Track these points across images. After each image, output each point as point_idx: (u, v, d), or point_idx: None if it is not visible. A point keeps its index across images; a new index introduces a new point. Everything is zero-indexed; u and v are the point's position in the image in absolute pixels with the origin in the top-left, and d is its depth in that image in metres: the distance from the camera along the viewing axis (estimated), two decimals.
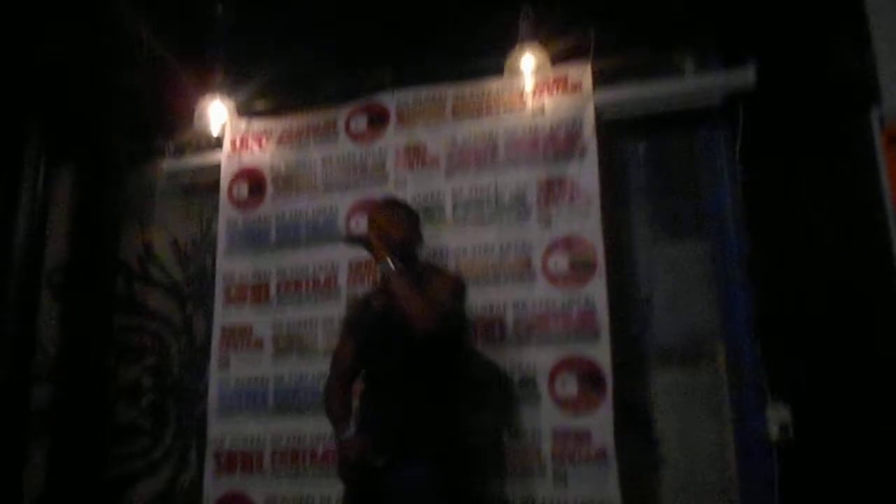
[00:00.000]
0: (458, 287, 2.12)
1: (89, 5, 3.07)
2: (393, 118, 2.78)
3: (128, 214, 3.35)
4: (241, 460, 2.71)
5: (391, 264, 1.95)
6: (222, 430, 2.76)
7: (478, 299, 2.50)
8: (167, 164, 3.21)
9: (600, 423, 2.28)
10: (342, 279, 2.70)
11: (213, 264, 3.00)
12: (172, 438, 3.03)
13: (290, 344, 2.75)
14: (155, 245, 3.28)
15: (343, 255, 2.67)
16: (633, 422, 2.36)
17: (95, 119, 3.37)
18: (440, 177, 2.65)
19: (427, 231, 2.58)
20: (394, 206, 2.20)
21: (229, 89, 3.00)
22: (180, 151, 3.23)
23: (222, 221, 2.97)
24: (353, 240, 2.17)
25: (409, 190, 2.68)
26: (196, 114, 3.00)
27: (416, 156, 2.71)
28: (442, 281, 2.09)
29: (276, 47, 2.96)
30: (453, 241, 2.59)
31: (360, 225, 2.73)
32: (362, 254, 2.13)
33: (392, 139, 2.76)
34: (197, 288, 3.15)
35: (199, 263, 3.17)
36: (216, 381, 2.82)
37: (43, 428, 3.18)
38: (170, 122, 3.25)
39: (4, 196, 3.27)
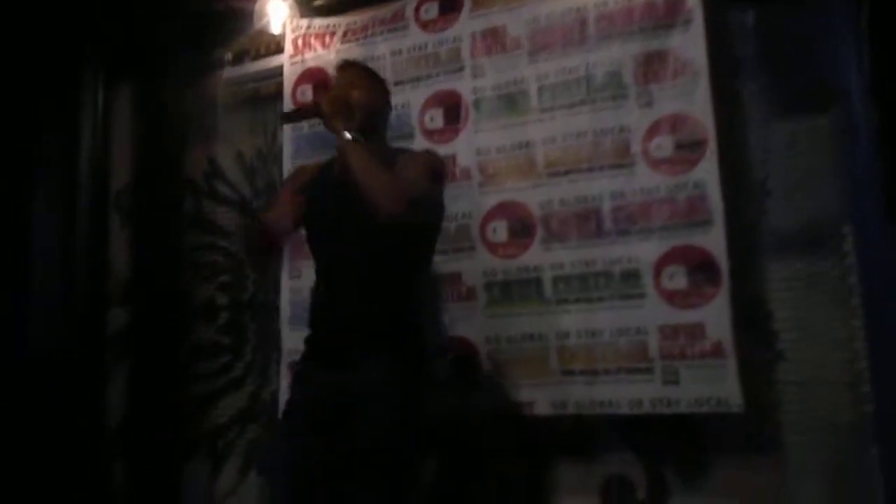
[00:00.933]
0: (434, 164, 1.79)
1: None
2: (467, 2, 2.54)
3: (191, 130, 3.23)
4: None
5: (346, 133, 1.63)
6: (296, 341, 2.65)
7: (570, 192, 2.30)
8: (228, 73, 3.05)
9: (715, 315, 2.07)
10: None
11: (281, 176, 2.86)
12: (252, 353, 2.96)
13: None
14: (220, 160, 3.16)
15: None
16: (750, 315, 2.15)
17: (153, 33, 3.22)
18: (523, 61, 2.42)
19: (510, 121, 2.40)
20: (353, 66, 1.86)
21: None
22: (241, 60, 3.07)
23: (287, 128, 2.81)
24: (296, 114, 1.89)
25: (489, 78, 2.46)
26: (254, 15, 2.83)
27: (494, 40, 2.47)
28: (414, 159, 1.77)
29: None
30: (540, 131, 2.37)
31: (434, 119, 2.54)
32: None
33: (467, 25, 2.53)
34: (265, 202, 3.02)
35: (266, 176, 3.04)
36: (288, 291, 2.71)
37: (121, 351, 3.17)
38: (229, 29, 3.09)
39: (65, 118, 3.18)
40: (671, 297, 2.15)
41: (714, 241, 2.10)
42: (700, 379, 2.08)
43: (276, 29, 2.84)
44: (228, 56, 3.07)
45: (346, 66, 1.86)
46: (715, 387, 2.06)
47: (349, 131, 1.64)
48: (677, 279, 2.14)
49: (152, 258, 3.20)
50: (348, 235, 1.69)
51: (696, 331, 2.10)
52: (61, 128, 3.11)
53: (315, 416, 1.66)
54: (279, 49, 2.92)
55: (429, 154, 1.88)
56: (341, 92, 1.74)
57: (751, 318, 2.15)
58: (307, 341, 1.81)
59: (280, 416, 1.84)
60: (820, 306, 2.14)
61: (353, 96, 1.73)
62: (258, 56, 3.02)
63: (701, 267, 2.11)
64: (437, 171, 1.79)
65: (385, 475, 1.58)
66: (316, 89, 2.68)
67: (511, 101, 2.41)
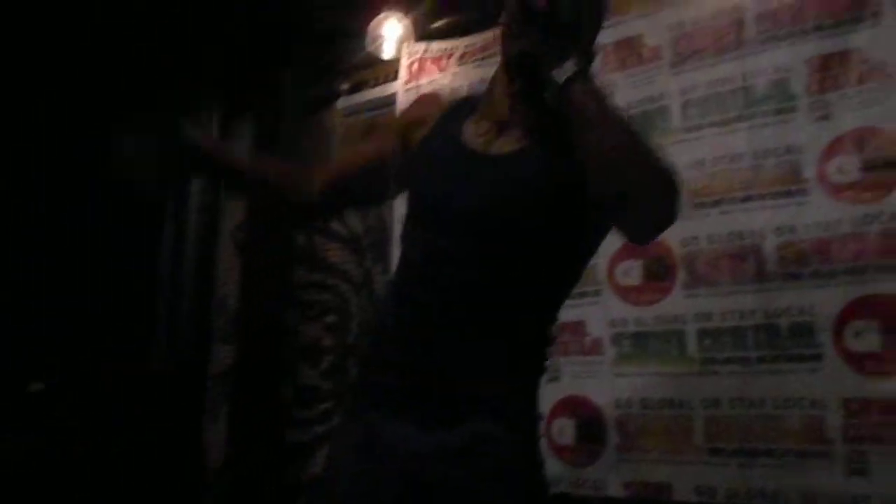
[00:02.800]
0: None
1: None
2: None
3: (305, 163, 3.12)
4: None
5: (582, 69, 0.95)
6: None
7: (721, 226, 1.89)
8: (343, 103, 2.93)
9: None
10: None
11: (391, 212, 2.66)
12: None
13: None
14: None
15: None
16: None
17: (269, 68, 3.20)
18: (664, 73, 2.06)
19: None
20: None
21: (404, 9, 2.65)
22: (357, 89, 2.95)
23: None
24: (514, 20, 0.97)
25: (623, 95, 2.12)
26: (368, 39, 2.69)
27: (629, 51, 2.14)
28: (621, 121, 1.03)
29: None
30: (684, 154, 1.97)
31: None
32: None
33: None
34: (376, 239, 2.83)
35: (377, 212, 2.85)
36: None
37: (224, 390, 3.05)
38: (345, 59, 2.99)
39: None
40: (859, 362, 1.66)
41: None
42: None
43: (389, 55, 2.68)
44: (345, 86, 2.96)
45: None
46: None
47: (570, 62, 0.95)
48: (867, 338, 1.66)
49: (262, 294, 3.09)
50: (505, 238, 1.07)
51: (893, 407, 1.60)
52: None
53: (384, 496, 1.08)
54: (395, 77, 2.76)
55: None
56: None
57: None
58: (369, 380, 1.17)
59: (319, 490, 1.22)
60: None
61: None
62: (375, 84, 2.89)
63: None
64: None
65: None
66: None
67: (648, 120, 2.06)
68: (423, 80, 2.63)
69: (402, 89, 2.69)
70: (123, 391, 3.03)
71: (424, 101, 1.32)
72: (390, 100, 2.75)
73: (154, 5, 2.81)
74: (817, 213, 1.77)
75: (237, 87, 3.18)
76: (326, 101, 3.08)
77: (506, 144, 1.11)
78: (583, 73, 0.95)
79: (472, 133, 1.14)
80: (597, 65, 1.07)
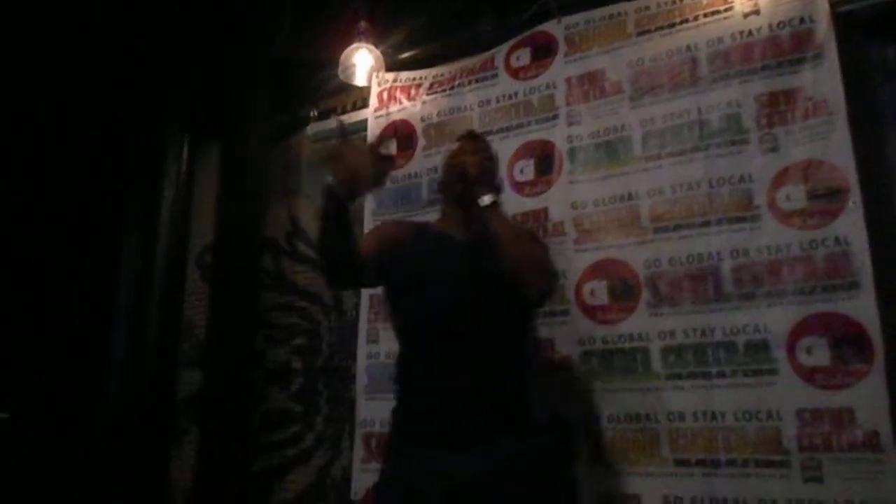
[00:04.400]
0: (541, 239, 1.96)
1: None
2: (562, 46, 2.36)
3: (274, 189, 3.16)
4: None
5: (486, 198, 1.57)
6: (372, 411, 2.44)
7: (681, 249, 2.01)
8: (312, 129, 2.98)
9: (868, 398, 1.70)
10: None
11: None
12: (324, 425, 2.75)
13: None
14: (302, 219, 3.06)
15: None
16: None
17: (238, 93, 3.23)
18: (624, 105, 2.19)
19: (610, 171, 2.18)
20: (479, 138, 1.83)
21: (374, 40, 2.73)
22: (326, 115, 3.00)
23: None
24: (457, 175, 1.66)
25: (586, 126, 2.24)
26: (340, 68, 2.75)
27: (592, 84, 2.26)
28: (525, 232, 1.85)
29: None
30: (645, 182, 2.11)
31: (525, 171, 2.33)
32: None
33: (561, 70, 2.34)
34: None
35: None
36: (364, 356, 2.51)
37: (192, 415, 3.03)
38: (314, 87, 3.05)
39: (147, 177, 3.19)
40: (810, 376, 1.79)
41: (862, 307, 1.75)
42: (850, 476, 1.70)
43: (360, 83, 2.75)
44: (314, 112, 3.01)
45: (474, 135, 1.83)
46: (870, 487, 1.67)
47: (487, 196, 1.58)
48: (817, 353, 1.79)
49: (230, 318, 3.09)
50: (474, 298, 1.56)
51: (843, 417, 1.73)
52: (144, 186, 3.11)
53: None
54: (364, 104, 2.83)
55: (528, 228, 2.08)
56: (479, 159, 1.66)
57: None
58: (405, 417, 1.61)
59: None
60: None
61: (488, 164, 1.70)
62: (343, 111, 2.95)
63: (847, 339, 1.76)
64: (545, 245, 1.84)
65: None
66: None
67: (611, 150, 2.18)
68: (393, 108, 2.71)
69: (372, 116, 2.76)
70: (82, 419, 2.99)
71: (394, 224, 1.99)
72: (359, 126, 2.81)
73: (127, 26, 2.82)
74: (769, 238, 1.90)
75: (206, 112, 3.19)
76: (295, 127, 3.12)
77: (465, 237, 1.67)
78: (496, 203, 1.58)
79: (449, 231, 1.71)
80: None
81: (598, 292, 2.11)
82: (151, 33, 3.07)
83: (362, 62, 2.69)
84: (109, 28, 2.99)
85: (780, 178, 1.92)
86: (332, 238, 1.51)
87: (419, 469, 1.47)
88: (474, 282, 1.57)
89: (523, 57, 2.44)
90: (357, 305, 2.65)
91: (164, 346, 2.98)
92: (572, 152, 2.24)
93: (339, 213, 1.49)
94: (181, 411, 3.01)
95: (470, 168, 1.61)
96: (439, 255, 1.65)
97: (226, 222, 3.22)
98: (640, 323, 2.02)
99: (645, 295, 2.03)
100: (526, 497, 1.44)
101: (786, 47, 1.98)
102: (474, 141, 1.76)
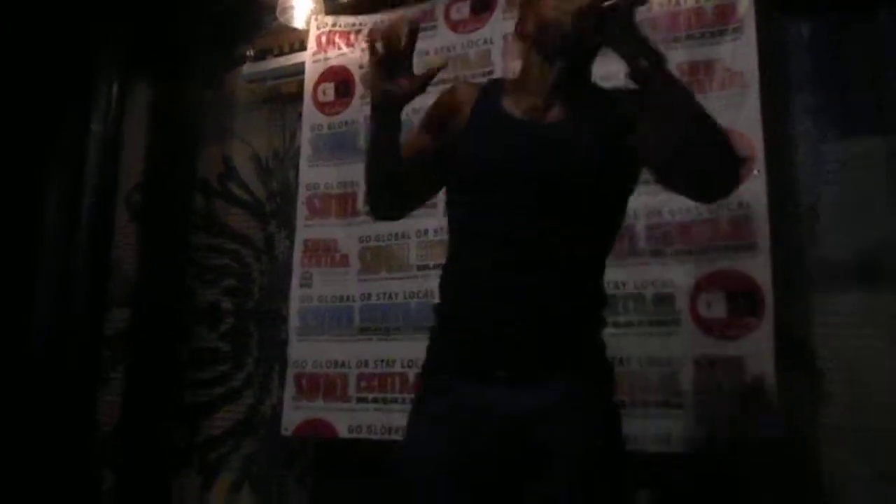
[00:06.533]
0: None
1: None
2: (501, 2, 2.41)
3: (207, 129, 3.12)
4: (323, 385, 2.45)
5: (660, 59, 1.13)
6: (303, 353, 2.52)
7: None
8: (248, 69, 2.94)
9: (757, 349, 1.89)
10: None
11: (297, 178, 2.73)
12: (254, 364, 2.81)
13: (378, 259, 2.46)
14: (235, 160, 3.04)
15: None
16: (793, 351, 1.95)
17: (173, 30, 3.14)
18: None
19: None
20: None
21: None
22: (262, 57, 2.96)
23: (306, 127, 2.69)
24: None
25: None
26: (279, 9, 2.72)
27: None
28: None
29: None
30: None
31: None
32: None
33: (499, 26, 2.39)
34: (280, 205, 2.89)
35: (281, 178, 2.91)
36: (297, 299, 2.57)
37: (119, 354, 3.03)
38: (250, 25, 3.00)
39: (76, 114, 3.09)
40: (708, 327, 1.96)
41: (759, 267, 1.92)
42: (737, 418, 1.89)
43: (299, 25, 2.73)
44: (250, 52, 2.96)
45: None
46: (754, 427, 1.87)
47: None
48: (716, 307, 1.96)
49: (159, 258, 3.08)
50: (546, 214, 1.21)
51: (734, 365, 1.91)
52: (73, 125, 3.02)
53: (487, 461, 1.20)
54: (302, 47, 2.81)
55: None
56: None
57: (795, 354, 1.95)
58: (449, 353, 1.28)
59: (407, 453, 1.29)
60: (872, 344, 1.93)
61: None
62: (280, 53, 2.92)
63: (743, 295, 1.93)
64: None
65: None
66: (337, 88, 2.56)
67: None
68: (332, 53, 2.70)
69: (309, 59, 2.74)
70: (5, 359, 2.94)
71: (455, 91, 1.39)
72: (297, 70, 2.80)
73: None
74: (681, 199, 2.01)
75: (138, 47, 3.09)
76: (229, 67, 3.07)
77: (552, 117, 1.28)
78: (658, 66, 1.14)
79: (518, 110, 1.30)
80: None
81: None
82: None
83: (301, 4, 2.67)
84: None
85: None
86: (386, 157, 1.29)
87: (462, 404, 1.21)
88: (548, 192, 1.21)
89: (463, 10, 2.48)
90: (290, 251, 2.69)
91: (91, 285, 2.94)
92: None
93: (394, 122, 1.26)
94: (108, 349, 3.01)
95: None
96: (502, 146, 1.26)
97: (156, 161, 3.18)
98: None
99: None
100: (588, 443, 1.19)
101: (709, 19, 2.09)
102: None
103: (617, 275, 2.06)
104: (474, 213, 1.28)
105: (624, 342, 2.03)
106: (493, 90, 1.36)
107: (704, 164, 1.16)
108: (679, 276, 2.01)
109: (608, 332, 1.99)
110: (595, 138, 1.22)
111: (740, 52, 2.04)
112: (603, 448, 1.21)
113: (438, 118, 1.37)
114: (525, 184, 1.22)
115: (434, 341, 1.32)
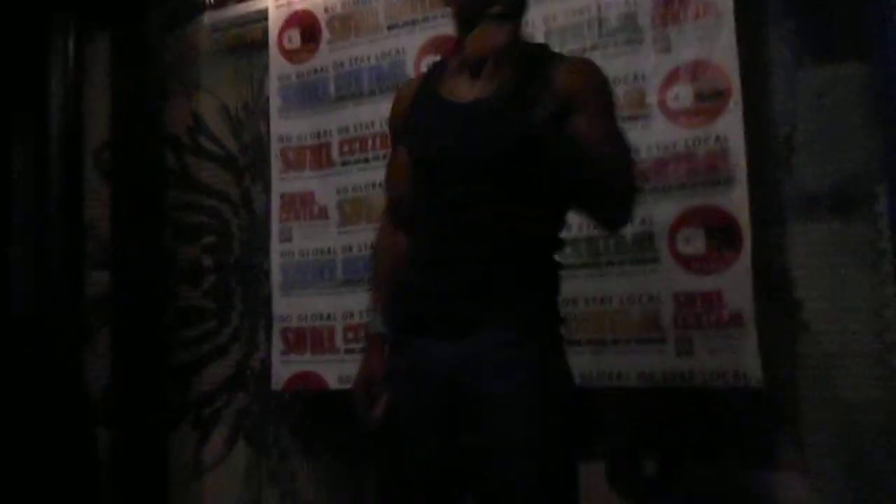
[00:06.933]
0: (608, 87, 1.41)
1: None
2: None
3: (172, 82, 3.02)
4: (310, 338, 2.47)
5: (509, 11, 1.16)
6: (288, 307, 2.52)
7: None
8: (210, 17, 2.84)
9: (735, 282, 1.91)
10: None
11: (269, 130, 2.67)
12: (239, 319, 2.81)
13: (357, 210, 2.44)
14: (203, 113, 2.96)
15: None
16: (772, 283, 1.98)
17: None
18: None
19: None
20: None
21: None
22: (222, 4, 2.85)
23: (273, 77, 2.62)
24: None
25: None
26: None
27: None
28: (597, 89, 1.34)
29: None
30: None
31: None
32: None
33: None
34: (253, 157, 2.84)
35: (253, 130, 2.85)
36: (278, 254, 2.55)
37: (102, 315, 3.02)
38: None
39: (32, 71, 2.97)
40: (687, 263, 1.98)
41: (736, 201, 1.92)
42: (717, 351, 1.93)
43: None
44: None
45: None
46: (733, 359, 1.91)
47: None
48: (694, 243, 1.97)
49: (134, 218, 3.02)
50: (475, 185, 1.28)
51: (713, 299, 1.94)
52: (30, 80, 2.91)
53: (428, 405, 1.31)
54: None
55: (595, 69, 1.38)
56: None
57: (773, 286, 1.98)
58: (406, 312, 1.40)
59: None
60: (848, 273, 1.96)
61: None
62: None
63: (721, 230, 1.94)
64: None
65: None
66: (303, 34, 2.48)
67: None
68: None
69: (273, 5, 2.65)
70: None
71: (398, 93, 1.54)
72: (261, 16, 2.71)
73: None
74: (657, 136, 2.02)
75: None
76: (190, 14, 2.96)
77: (472, 92, 1.30)
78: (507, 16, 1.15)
79: (444, 89, 1.37)
80: None
81: None
82: None
83: None
84: None
85: (671, 78, 2.02)
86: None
87: (416, 360, 1.33)
88: (472, 167, 1.29)
89: None
90: (267, 204, 2.65)
91: (67, 248, 2.90)
92: None
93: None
94: (90, 312, 2.99)
95: None
96: (435, 118, 1.35)
97: (122, 118, 3.08)
98: None
99: None
100: (517, 388, 1.26)
101: None
102: None
103: None
104: (419, 191, 1.38)
105: (606, 282, 2.05)
106: (434, 74, 1.43)
107: (602, 209, 1.34)
108: (658, 213, 2.01)
109: (590, 273, 2.06)
110: (516, 111, 1.16)
111: None
112: (540, 394, 1.26)
113: (394, 128, 1.51)
114: (454, 163, 1.30)
115: (394, 304, 1.44)
